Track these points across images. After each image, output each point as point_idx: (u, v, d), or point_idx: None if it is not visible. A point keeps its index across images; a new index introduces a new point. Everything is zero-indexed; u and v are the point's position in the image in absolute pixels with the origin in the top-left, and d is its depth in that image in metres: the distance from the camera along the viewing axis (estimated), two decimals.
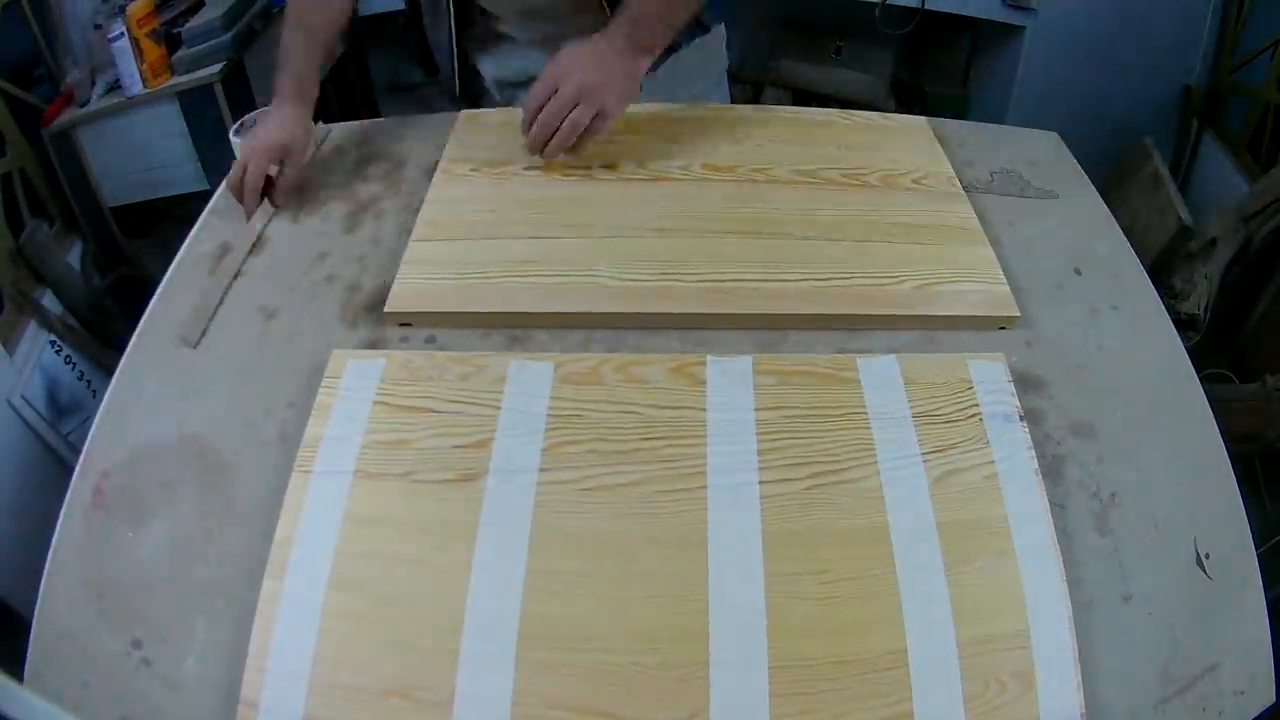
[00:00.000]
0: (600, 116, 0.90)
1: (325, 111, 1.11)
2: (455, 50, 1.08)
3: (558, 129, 0.90)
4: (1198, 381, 0.79)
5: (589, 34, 0.95)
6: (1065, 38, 1.95)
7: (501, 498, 0.66)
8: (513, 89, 1.16)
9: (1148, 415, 0.75)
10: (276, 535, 0.64)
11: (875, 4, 1.98)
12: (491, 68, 1.13)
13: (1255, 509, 1.18)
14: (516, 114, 1.07)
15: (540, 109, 0.90)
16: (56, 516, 0.69)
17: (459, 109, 1.11)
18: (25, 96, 1.63)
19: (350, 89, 2.35)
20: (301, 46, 0.97)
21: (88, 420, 0.75)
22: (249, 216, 0.93)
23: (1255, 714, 0.62)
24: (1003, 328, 0.81)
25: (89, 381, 1.55)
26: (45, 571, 0.66)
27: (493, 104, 1.18)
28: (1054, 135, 1.09)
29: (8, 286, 1.45)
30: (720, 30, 1.20)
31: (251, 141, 0.93)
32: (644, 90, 1.14)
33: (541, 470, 0.67)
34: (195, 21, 1.74)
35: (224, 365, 0.79)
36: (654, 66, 1.05)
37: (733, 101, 1.30)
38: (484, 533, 0.64)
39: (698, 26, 1.14)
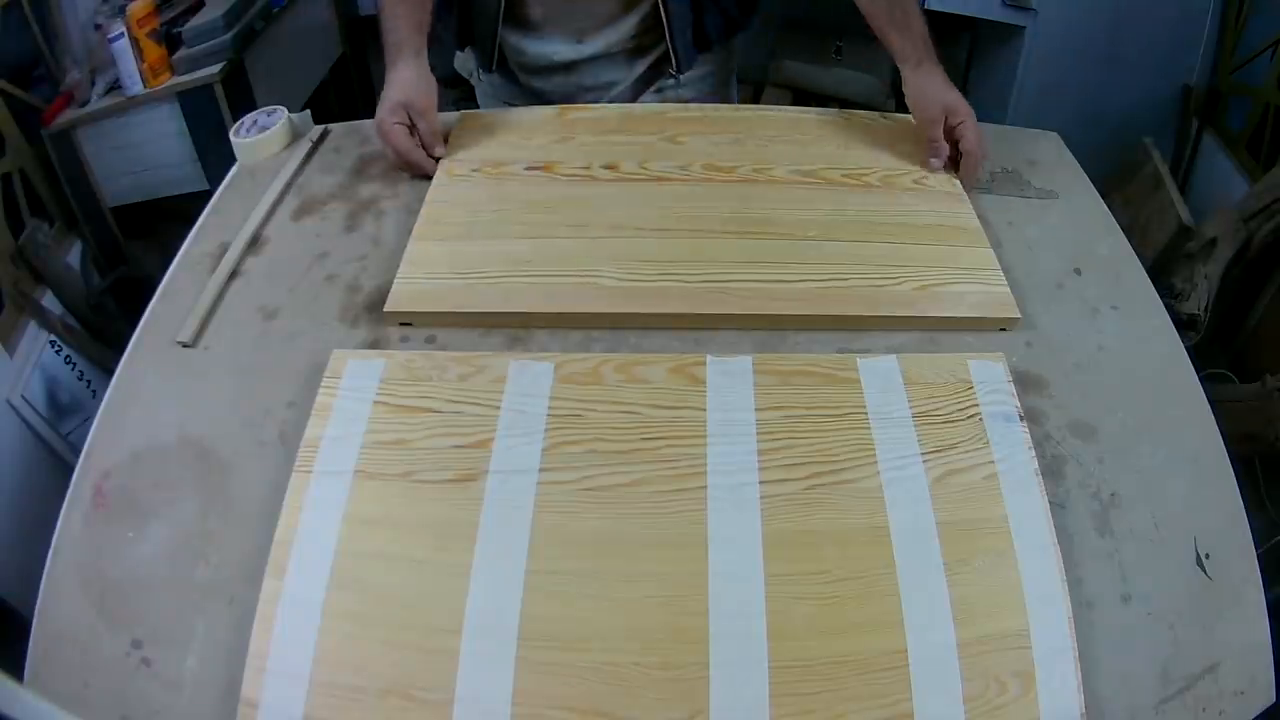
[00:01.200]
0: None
1: (325, 111, 1.11)
2: (501, 16, 1.08)
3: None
4: (1198, 381, 0.79)
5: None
6: (1065, 38, 1.94)
7: (501, 498, 0.66)
8: (531, 74, 1.16)
9: (1148, 415, 0.75)
10: (276, 535, 0.64)
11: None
12: (517, 52, 1.14)
13: (1255, 509, 1.18)
14: (517, 114, 1.07)
15: (947, 140, 0.96)
16: (56, 516, 0.69)
17: (488, 79, 1.16)
18: (25, 96, 1.63)
19: (350, 89, 2.35)
20: (395, 6, 0.99)
21: (88, 420, 0.75)
22: (430, 173, 0.97)
23: (1255, 714, 0.62)
24: (1003, 329, 0.81)
25: (89, 381, 1.55)
26: (45, 571, 0.66)
27: (518, 83, 1.18)
28: (1054, 135, 1.09)
29: (8, 286, 1.45)
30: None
31: (381, 114, 0.97)
32: (665, 93, 1.16)
33: (541, 470, 0.67)
34: (195, 21, 1.74)
35: (224, 365, 0.79)
36: (679, 69, 1.10)
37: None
38: (484, 533, 0.64)
39: (742, 25, 1.15)
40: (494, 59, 1.13)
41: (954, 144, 0.96)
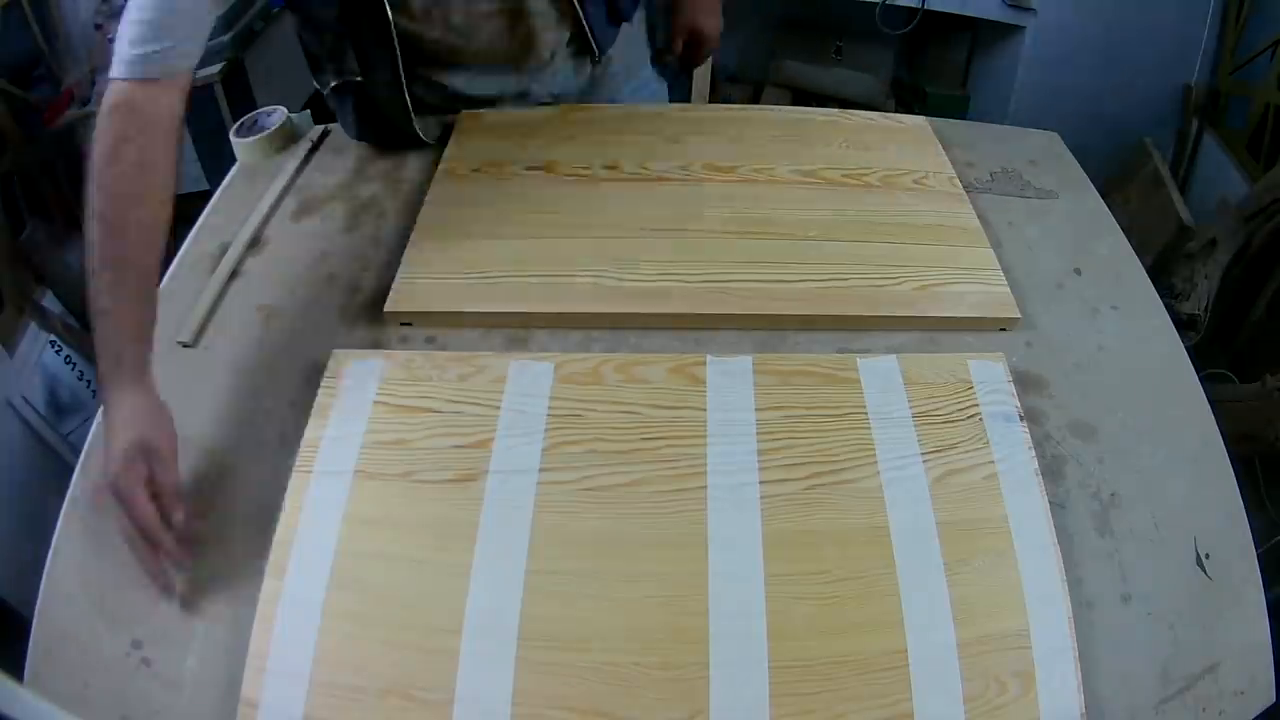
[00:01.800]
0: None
1: (325, 111, 1.11)
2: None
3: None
4: (1198, 381, 0.79)
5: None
6: (1065, 38, 1.94)
7: (501, 498, 0.66)
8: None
9: (1148, 415, 0.75)
10: (276, 535, 0.64)
11: (875, 4, 1.98)
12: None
13: (1255, 509, 1.18)
14: (517, 114, 1.07)
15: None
16: (56, 516, 0.69)
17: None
18: (25, 96, 1.63)
19: None
20: (112, 298, 0.69)
21: (88, 420, 0.74)
22: (159, 579, 0.64)
23: (1255, 714, 0.62)
24: (1003, 329, 0.81)
25: (89, 381, 1.55)
26: (45, 571, 0.66)
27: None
28: (1054, 135, 1.09)
29: (8, 286, 1.45)
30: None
31: (114, 466, 0.64)
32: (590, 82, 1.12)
33: (541, 470, 0.67)
34: None
35: (224, 365, 0.79)
36: (602, 51, 1.05)
37: (733, 101, 1.30)
38: (484, 533, 0.64)
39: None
40: (407, 109, 0.97)
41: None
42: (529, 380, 0.73)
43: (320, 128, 1.08)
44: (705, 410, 0.71)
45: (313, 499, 0.66)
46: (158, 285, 0.75)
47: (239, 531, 0.67)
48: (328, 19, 0.91)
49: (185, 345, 0.80)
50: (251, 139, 1.03)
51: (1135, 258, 0.91)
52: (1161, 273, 1.66)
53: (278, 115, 1.05)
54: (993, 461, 0.68)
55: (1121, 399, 0.76)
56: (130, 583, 0.65)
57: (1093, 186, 1.00)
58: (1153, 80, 2.01)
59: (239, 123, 1.06)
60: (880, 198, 0.93)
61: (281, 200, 0.96)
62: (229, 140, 1.04)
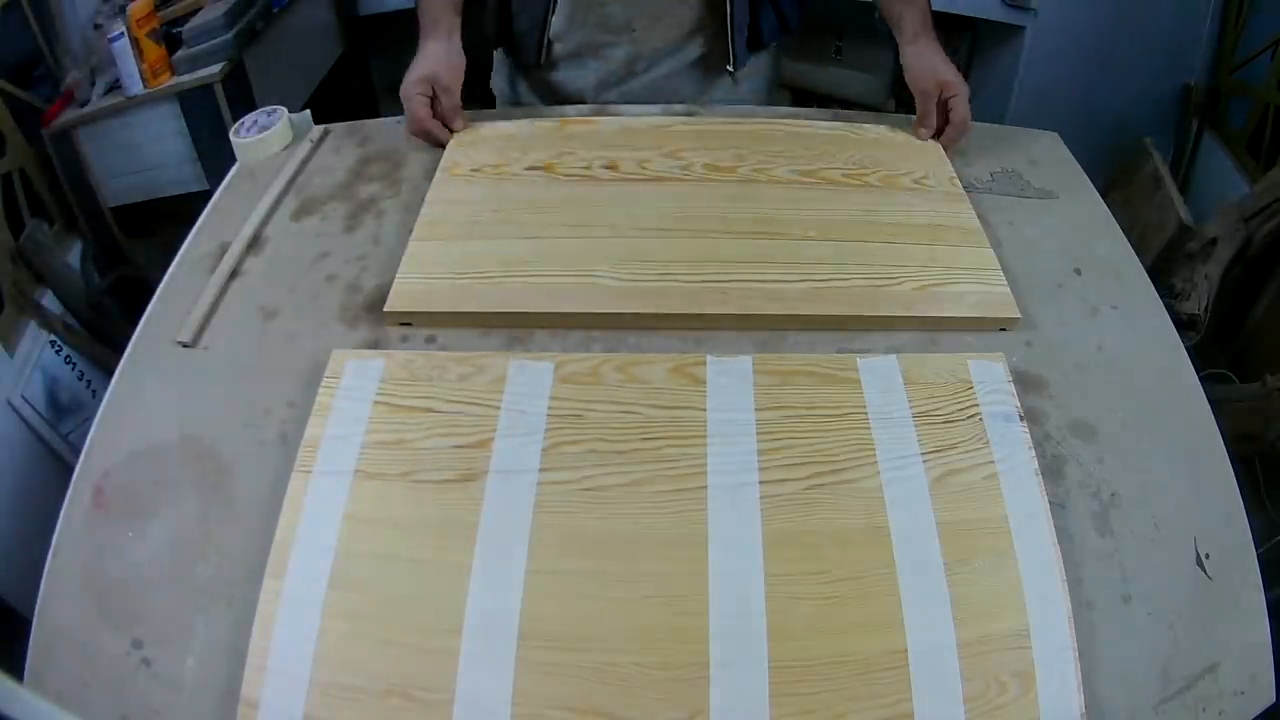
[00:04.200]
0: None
1: (325, 111, 1.11)
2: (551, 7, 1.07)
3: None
4: (1198, 381, 0.79)
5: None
6: (1065, 38, 1.94)
7: (501, 498, 0.66)
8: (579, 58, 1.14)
9: (1148, 415, 0.75)
10: (276, 535, 0.64)
11: (875, 4, 1.97)
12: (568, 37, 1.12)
13: (1255, 509, 1.18)
14: (517, 121, 1.07)
15: (939, 115, 1.00)
16: (56, 516, 0.69)
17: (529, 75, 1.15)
18: (25, 96, 1.63)
19: (350, 89, 2.35)
20: None
21: (88, 420, 0.75)
22: (444, 143, 1.02)
23: (1255, 714, 0.62)
24: (1003, 329, 0.81)
25: (89, 381, 1.55)
26: (45, 571, 0.66)
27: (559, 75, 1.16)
28: (1054, 135, 1.09)
29: (8, 286, 1.45)
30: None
31: (406, 84, 1.01)
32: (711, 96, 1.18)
33: (541, 470, 0.67)
34: (196, 21, 1.74)
35: (224, 365, 0.79)
36: (737, 66, 1.11)
37: None
38: (484, 533, 0.64)
39: (785, 30, 1.17)
40: (541, 51, 1.10)
41: (945, 115, 1.00)
42: (529, 380, 0.73)
43: (320, 128, 1.08)
44: (705, 410, 0.71)
45: (313, 499, 0.66)
46: None
47: (239, 531, 0.67)
48: None
49: (185, 345, 0.80)
50: (251, 139, 1.03)
51: (1135, 258, 0.91)
52: (1161, 273, 1.66)
53: (278, 115, 1.05)
54: (993, 461, 0.68)
55: (1121, 399, 0.76)
56: (130, 583, 0.65)
57: (1093, 186, 1.00)
58: (1153, 80, 2.00)
59: (239, 123, 1.06)
60: (880, 198, 0.93)
61: (281, 200, 0.96)
62: (229, 140, 1.04)
